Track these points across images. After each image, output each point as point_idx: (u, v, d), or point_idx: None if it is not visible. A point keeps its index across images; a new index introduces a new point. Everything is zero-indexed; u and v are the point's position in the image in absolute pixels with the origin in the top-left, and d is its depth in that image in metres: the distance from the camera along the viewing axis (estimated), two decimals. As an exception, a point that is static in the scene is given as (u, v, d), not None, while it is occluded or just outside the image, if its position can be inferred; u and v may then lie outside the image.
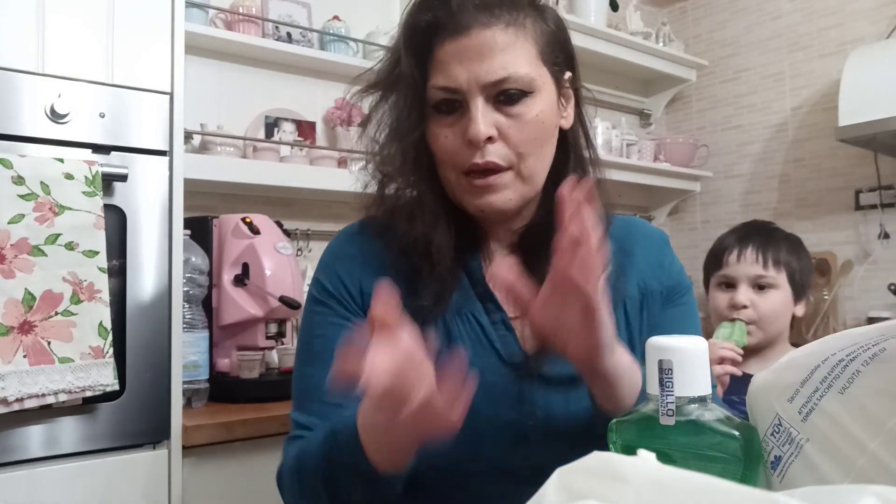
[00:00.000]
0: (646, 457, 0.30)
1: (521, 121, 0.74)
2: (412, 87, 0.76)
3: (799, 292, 1.39)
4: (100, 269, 1.14)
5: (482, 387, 0.75)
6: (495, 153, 0.73)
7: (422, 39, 0.76)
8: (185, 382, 1.32)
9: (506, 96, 0.73)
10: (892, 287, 2.34)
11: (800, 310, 1.41)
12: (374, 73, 0.82)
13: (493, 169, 0.74)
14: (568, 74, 0.80)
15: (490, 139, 0.73)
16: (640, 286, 0.81)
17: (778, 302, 1.37)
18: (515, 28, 0.74)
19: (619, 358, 0.64)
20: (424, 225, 0.77)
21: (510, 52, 0.73)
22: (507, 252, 0.82)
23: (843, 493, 0.30)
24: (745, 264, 1.37)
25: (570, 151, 0.81)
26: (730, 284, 1.39)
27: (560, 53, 0.79)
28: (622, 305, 0.80)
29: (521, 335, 0.78)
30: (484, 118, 0.72)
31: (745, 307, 1.35)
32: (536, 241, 0.79)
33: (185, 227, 1.33)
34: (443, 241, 0.77)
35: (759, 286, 1.36)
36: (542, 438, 0.75)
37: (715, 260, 1.43)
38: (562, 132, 0.80)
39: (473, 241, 0.81)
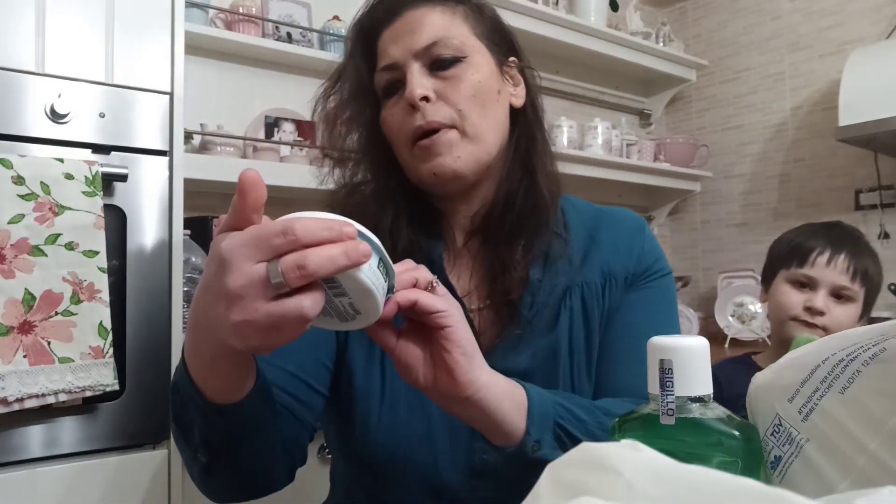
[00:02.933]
0: (633, 445, 0.30)
1: (457, 81, 0.76)
2: (358, 80, 0.80)
3: (867, 309, 1.34)
4: (100, 269, 1.14)
5: None
6: (434, 112, 0.74)
7: (366, 38, 0.80)
8: (185, 382, 1.32)
9: (439, 61, 0.76)
10: (892, 287, 2.35)
11: (860, 326, 1.39)
12: (333, 76, 0.85)
13: (436, 129, 0.74)
14: (512, 58, 0.83)
15: (426, 99, 0.74)
16: (603, 271, 0.81)
17: (853, 316, 1.31)
18: (444, 9, 0.78)
19: (491, 383, 0.60)
20: (375, 212, 0.78)
21: (439, 23, 0.77)
22: (468, 238, 0.82)
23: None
24: (835, 271, 1.29)
25: (515, 132, 0.82)
26: (805, 285, 1.31)
27: (497, 36, 0.82)
28: (579, 291, 0.80)
29: (479, 330, 0.78)
30: (418, 80, 0.74)
31: (822, 314, 1.27)
32: (496, 223, 0.79)
33: (185, 227, 1.33)
34: (400, 227, 0.78)
35: (839, 296, 1.29)
36: None
37: (797, 256, 1.32)
38: (514, 112, 0.82)
39: (436, 230, 0.82)
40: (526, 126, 0.83)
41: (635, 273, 0.82)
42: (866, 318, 1.35)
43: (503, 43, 0.83)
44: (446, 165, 0.75)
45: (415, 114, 0.74)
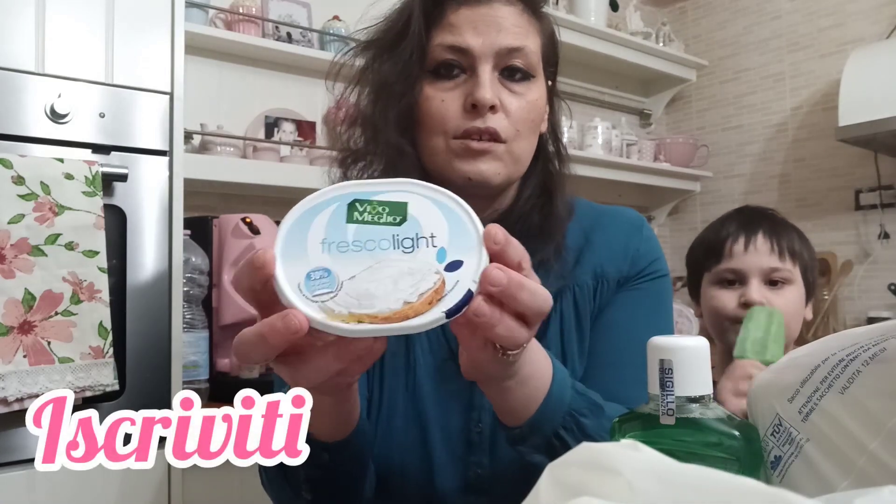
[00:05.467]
0: (633, 445, 0.30)
1: (523, 99, 0.73)
2: (417, 49, 0.73)
3: (809, 291, 1.15)
4: (100, 269, 1.14)
5: (434, 389, 0.75)
6: (497, 123, 0.71)
7: (436, 4, 0.74)
8: (185, 382, 1.32)
9: (510, 72, 0.73)
10: (892, 287, 2.35)
11: (809, 312, 1.16)
12: (376, 31, 0.79)
13: (493, 136, 0.72)
14: (550, 83, 0.81)
15: (493, 108, 0.71)
16: (595, 272, 0.78)
17: (796, 300, 1.11)
18: (529, 17, 0.75)
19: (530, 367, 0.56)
20: None
21: (523, 32, 0.74)
22: None
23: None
24: (757, 254, 1.10)
25: (540, 155, 0.80)
26: (733, 280, 1.12)
27: (553, 58, 0.81)
28: (571, 294, 0.77)
29: None
30: (492, 85, 0.71)
31: (760, 305, 1.08)
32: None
33: (185, 227, 1.33)
34: None
35: (772, 281, 1.10)
36: (488, 447, 0.74)
37: (712, 252, 1.14)
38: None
39: None
40: (546, 153, 0.81)
41: (628, 275, 0.79)
42: (812, 300, 1.17)
43: (553, 68, 0.81)
44: (485, 174, 0.72)
45: (474, 115, 0.71)
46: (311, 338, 0.41)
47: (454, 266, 0.41)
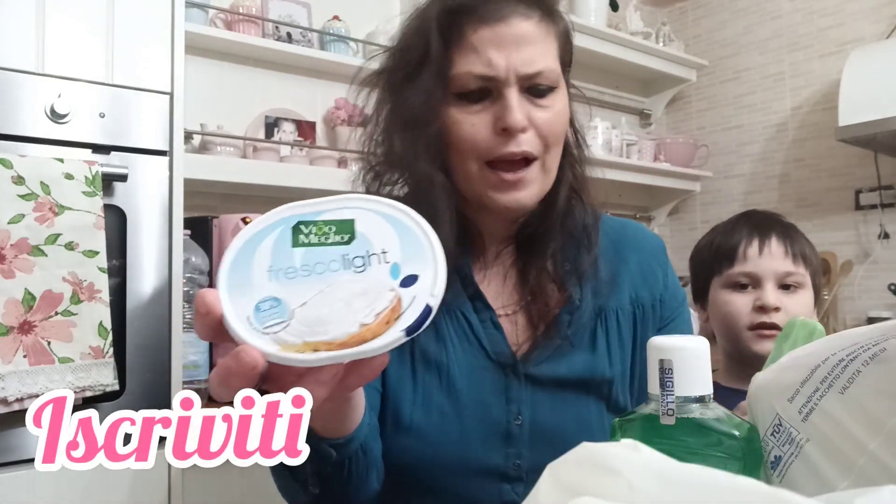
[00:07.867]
0: (634, 445, 0.30)
1: (550, 112, 0.74)
2: (439, 72, 0.73)
3: (817, 296, 1.12)
4: (100, 269, 1.14)
5: (470, 384, 0.76)
6: (528, 143, 0.72)
7: (453, 23, 0.74)
8: (185, 382, 1.32)
9: (536, 89, 0.73)
10: (893, 287, 2.35)
11: (815, 317, 1.13)
12: (393, 55, 0.79)
13: (525, 160, 0.73)
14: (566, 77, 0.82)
15: (523, 129, 0.72)
16: (631, 298, 0.82)
17: (809, 305, 1.09)
18: (546, 25, 0.75)
19: None
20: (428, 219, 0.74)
21: (542, 46, 0.74)
22: (502, 247, 0.81)
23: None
24: (772, 258, 1.08)
25: (566, 154, 0.81)
26: (745, 285, 1.09)
27: (568, 58, 0.81)
28: (615, 316, 0.80)
29: (509, 334, 0.78)
30: (521, 107, 0.72)
31: (776, 309, 1.05)
32: (532, 235, 0.79)
33: (185, 227, 1.33)
34: (445, 239, 0.75)
35: (785, 286, 1.08)
36: (528, 438, 0.75)
37: (724, 257, 1.12)
38: None
39: (465, 236, 0.80)
40: (569, 146, 0.82)
41: (661, 301, 0.83)
42: (817, 306, 1.15)
43: (570, 63, 0.81)
44: (522, 202, 0.74)
45: (507, 138, 0.72)
46: (282, 368, 0.39)
47: (409, 281, 0.39)
